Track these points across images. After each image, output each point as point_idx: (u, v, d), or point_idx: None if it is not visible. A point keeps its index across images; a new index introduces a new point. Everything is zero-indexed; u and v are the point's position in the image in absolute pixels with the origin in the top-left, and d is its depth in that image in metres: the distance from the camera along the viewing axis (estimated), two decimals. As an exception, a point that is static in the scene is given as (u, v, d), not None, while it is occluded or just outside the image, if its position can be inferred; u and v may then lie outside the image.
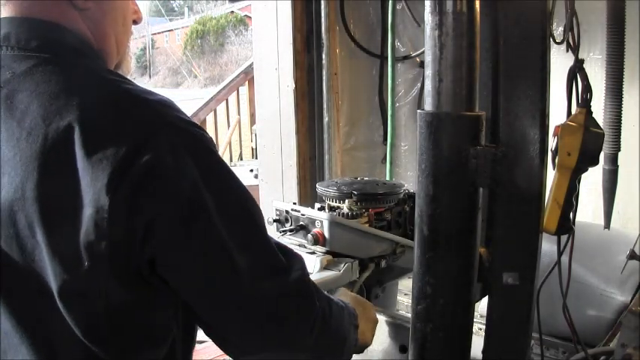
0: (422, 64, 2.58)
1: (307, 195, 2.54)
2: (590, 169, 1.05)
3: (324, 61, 2.52)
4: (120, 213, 0.76)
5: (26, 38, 0.85)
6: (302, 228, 1.42)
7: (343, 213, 1.48)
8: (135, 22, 1.03)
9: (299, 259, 0.96)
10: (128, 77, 0.96)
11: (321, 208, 1.54)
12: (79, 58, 0.88)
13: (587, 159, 1.02)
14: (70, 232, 0.77)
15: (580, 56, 1.07)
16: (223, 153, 5.91)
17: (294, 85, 2.48)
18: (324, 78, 2.53)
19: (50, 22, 0.88)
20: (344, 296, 1.25)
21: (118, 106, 0.82)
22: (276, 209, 1.51)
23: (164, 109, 0.83)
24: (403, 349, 1.37)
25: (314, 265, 1.36)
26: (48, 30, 0.87)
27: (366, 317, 1.19)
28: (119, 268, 0.79)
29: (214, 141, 1.02)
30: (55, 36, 0.88)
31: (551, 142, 1.00)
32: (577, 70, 1.07)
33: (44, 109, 0.79)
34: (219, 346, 0.93)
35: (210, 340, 0.93)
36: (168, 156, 0.78)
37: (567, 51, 1.10)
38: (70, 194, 0.77)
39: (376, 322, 1.25)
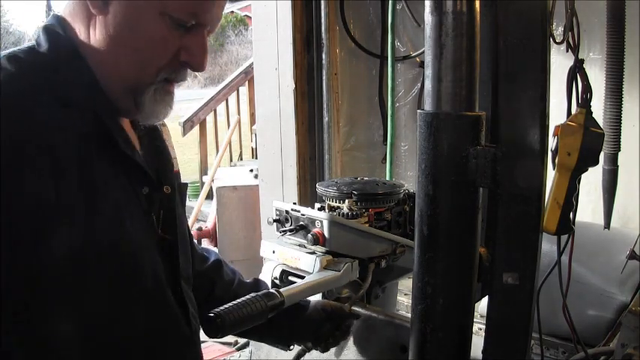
0: (422, 64, 2.58)
1: (307, 195, 2.54)
2: (590, 169, 1.05)
3: (324, 61, 2.52)
4: None
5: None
6: (302, 228, 1.42)
7: (343, 213, 1.48)
8: (191, 67, 0.95)
9: None
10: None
11: (321, 208, 1.54)
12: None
13: (587, 159, 1.02)
14: None
15: (580, 56, 1.07)
16: (223, 153, 5.92)
17: (294, 85, 2.48)
18: (324, 78, 2.53)
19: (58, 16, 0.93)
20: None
21: None
22: (276, 209, 1.51)
23: None
24: (403, 349, 1.37)
25: (314, 265, 1.36)
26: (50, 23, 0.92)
27: None
28: None
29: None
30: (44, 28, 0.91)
31: (551, 142, 1.00)
32: (577, 70, 1.07)
33: None
34: None
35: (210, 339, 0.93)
36: None
37: (567, 51, 1.09)
38: None
39: None
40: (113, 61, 0.92)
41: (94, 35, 0.91)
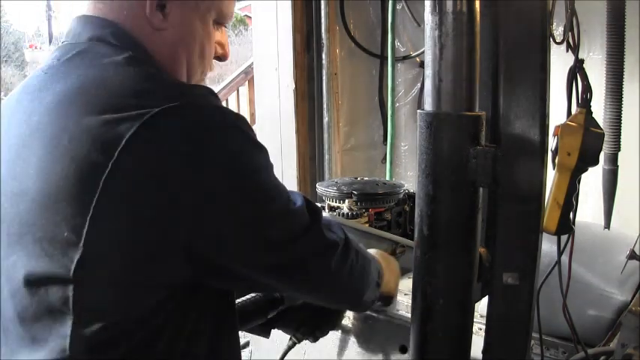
0: (422, 64, 2.58)
1: (307, 195, 2.54)
2: (590, 169, 1.04)
3: (324, 62, 2.52)
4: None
5: (80, 32, 0.89)
6: (302, 228, 1.42)
7: (343, 213, 1.48)
8: (219, 59, 1.05)
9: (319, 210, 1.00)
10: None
11: (321, 208, 1.54)
12: (121, 52, 0.87)
13: (587, 159, 1.02)
14: None
15: (580, 56, 1.07)
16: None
17: (294, 85, 2.48)
18: (323, 78, 2.53)
19: (112, 21, 0.89)
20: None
21: (134, 79, 0.83)
22: (276, 209, 1.50)
23: (195, 91, 0.85)
24: (403, 349, 1.37)
25: (314, 265, 1.35)
26: (105, 27, 0.89)
27: (390, 269, 1.25)
28: None
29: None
30: (108, 31, 0.88)
31: (551, 142, 1.00)
32: (577, 70, 1.07)
33: (68, 88, 0.81)
34: None
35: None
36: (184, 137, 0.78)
37: (567, 51, 1.09)
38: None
39: (399, 274, 1.33)
40: (179, 68, 0.96)
41: (153, 44, 0.91)
